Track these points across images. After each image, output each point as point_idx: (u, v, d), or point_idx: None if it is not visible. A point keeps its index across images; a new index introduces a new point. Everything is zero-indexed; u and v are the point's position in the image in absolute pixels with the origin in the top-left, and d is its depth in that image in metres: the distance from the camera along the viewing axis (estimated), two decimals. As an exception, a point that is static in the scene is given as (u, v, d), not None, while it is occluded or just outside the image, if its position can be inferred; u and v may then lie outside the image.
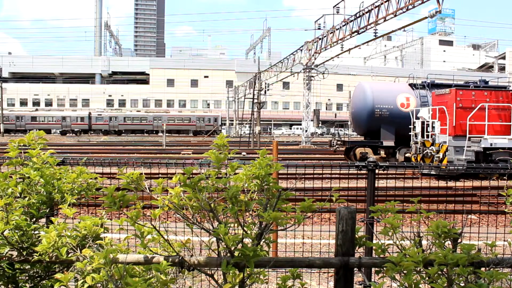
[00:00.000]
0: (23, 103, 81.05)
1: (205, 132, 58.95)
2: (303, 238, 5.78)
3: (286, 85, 61.08)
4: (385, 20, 23.39)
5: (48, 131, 60.16)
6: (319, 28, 33.98)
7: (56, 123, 61.03)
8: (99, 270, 1.95)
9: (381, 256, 2.19)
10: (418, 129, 15.92)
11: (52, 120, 61.47)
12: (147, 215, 2.28)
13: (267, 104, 69.82)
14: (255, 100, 37.37)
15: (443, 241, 2.02)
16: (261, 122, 41.65)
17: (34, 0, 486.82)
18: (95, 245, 2.11)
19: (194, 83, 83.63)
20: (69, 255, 2.13)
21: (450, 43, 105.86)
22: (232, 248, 2.07)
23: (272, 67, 45.37)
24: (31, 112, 62.80)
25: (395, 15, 22.34)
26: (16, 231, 2.23)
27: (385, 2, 22.91)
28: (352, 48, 30.64)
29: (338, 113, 74.92)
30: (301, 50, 36.68)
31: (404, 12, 21.64)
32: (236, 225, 2.17)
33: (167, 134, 57.61)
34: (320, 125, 60.16)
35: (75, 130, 60.60)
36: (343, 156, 22.04)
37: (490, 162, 14.35)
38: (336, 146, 21.45)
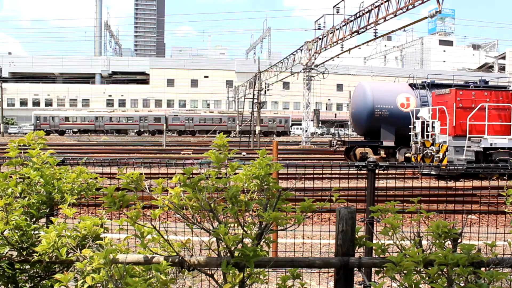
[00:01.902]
0: (23, 103, 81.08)
1: (276, 133, 60.11)
2: (303, 238, 5.78)
3: (286, 85, 61.13)
4: (385, 20, 23.39)
5: (124, 132, 61.26)
6: (319, 28, 33.99)
7: (133, 123, 61.74)
8: (99, 270, 1.95)
9: (381, 256, 2.19)
10: (418, 129, 15.92)
11: (127, 120, 62.15)
12: (147, 215, 2.28)
13: (267, 104, 69.88)
14: (255, 100, 37.37)
15: (443, 241, 2.02)
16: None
17: (34, 0, 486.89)
18: (95, 245, 2.11)
19: (194, 83, 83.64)
20: (69, 255, 2.12)
21: (450, 43, 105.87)
22: (232, 248, 2.07)
23: (272, 67, 45.37)
24: (109, 113, 63.52)
25: (395, 15, 22.34)
26: (16, 231, 2.23)
27: (385, 2, 22.91)
28: (352, 48, 30.63)
29: (338, 113, 74.92)
30: (301, 50, 36.68)
31: (404, 12, 21.65)
32: (236, 225, 2.17)
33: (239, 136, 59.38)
34: (320, 125, 60.24)
35: (151, 130, 61.20)
36: (343, 156, 22.04)
37: (490, 162, 14.34)
38: (336, 146, 21.44)
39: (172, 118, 62.20)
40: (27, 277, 2.36)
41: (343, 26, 28.34)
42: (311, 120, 41.95)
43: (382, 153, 20.07)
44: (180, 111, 66.77)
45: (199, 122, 62.22)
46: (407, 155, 17.50)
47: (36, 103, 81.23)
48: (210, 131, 60.42)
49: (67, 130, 60.34)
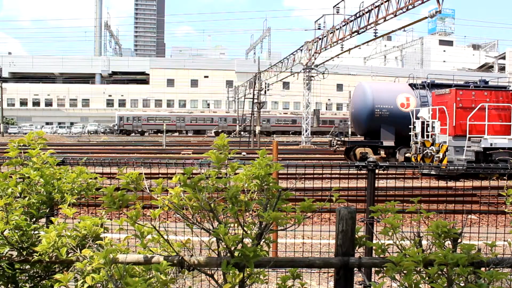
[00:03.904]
0: (23, 103, 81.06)
1: (345, 134, 61.88)
2: (303, 238, 5.78)
3: (286, 85, 61.13)
4: (385, 20, 23.38)
5: (203, 132, 63.16)
6: (319, 28, 33.97)
7: (213, 124, 63.61)
8: (99, 270, 1.95)
9: (381, 256, 2.19)
10: (418, 129, 15.92)
11: (205, 121, 64.13)
12: (147, 215, 2.28)
13: (267, 104, 69.97)
14: (255, 100, 37.37)
15: (443, 241, 2.02)
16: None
17: (34, 0, 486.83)
18: (95, 245, 2.11)
19: (194, 83, 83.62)
20: (69, 255, 2.12)
21: (450, 43, 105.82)
22: (232, 248, 2.07)
23: (272, 67, 45.35)
24: (190, 114, 66.00)
25: (395, 15, 22.33)
26: (16, 231, 2.23)
27: (385, 2, 22.90)
28: (352, 48, 30.62)
29: (338, 113, 74.92)
30: (301, 50, 36.67)
31: (404, 12, 21.64)
32: (236, 225, 2.17)
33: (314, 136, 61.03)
34: (320, 125, 60.31)
35: (229, 131, 62.96)
36: (343, 156, 22.04)
37: (490, 162, 14.34)
38: (336, 146, 21.45)
39: (247, 119, 63.81)
40: (27, 277, 2.36)
41: (343, 26, 28.33)
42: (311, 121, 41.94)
43: (382, 153, 20.07)
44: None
45: (275, 123, 64.74)
46: (407, 155, 17.50)
47: (36, 103, 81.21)
48: (285, 132, 63.76)
49: (148, 130, 62.30)
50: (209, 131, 63.08)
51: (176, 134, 62.81)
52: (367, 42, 29.07)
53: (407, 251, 2.01)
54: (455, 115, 14.52)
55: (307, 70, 35.29)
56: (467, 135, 14.38)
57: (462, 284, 1.93)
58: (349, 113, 22.58)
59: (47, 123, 76.84)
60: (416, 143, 16.05)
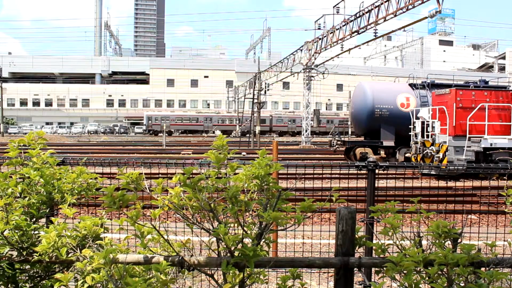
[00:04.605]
0: (23, 103, 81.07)
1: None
2: (303, 238, 5.77)
3: (286, 85, 61.17)
4: (385, 20, 23.39)
5: (230, 132, 64.53)
6: (319, 28, 33.98)
7: (239, 124, 63.60)
8: (99, 270, 1.95)
9: (381, 256, 2.19)
10: (418, 129, 15.92)
11: (231, 121, 65.21)
12: (147, 215, 2.28)
13: (267, 104, 70.05)
14: (255, 100, 37.37)
15: (443, 241, 2.02)
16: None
17: (34, 0, 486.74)
18: (95, 245, 2.10)
19: (194, 83, 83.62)
20: (69, 255, 2.12)
21: (450, 43, 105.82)
22: (232, 248, 2.07)
23: (272, 67, 45.36)
24: (217, 115, 67.42)
25: (395, 15, 22.34)
26: (16, 231, 2.23)
27: (385, 2, 22.90)
28: (352, 48, 30.62)
29: (338, 113, 74.94)
30: (301, 50, 36.67)
31: (404, 12, 21.64)
32: (236, 225, 2.17)
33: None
34: (320, 125, 60.36)
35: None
36: (343, 156, 22.04)
37: (490, 162, 14.34)
38: (336, 146, 21.45)
39: (276, 120, 65.29)
40: (27, 277, 2.36)
41: (343, 26, 28.33)
42: (311, 120, 41.91)
43: (382, 153, 20.06)
44: (283, 113, 70.48)
45: (300, 124, 64.56)
46: (407, 155, 17.50)
47: (36, 103, 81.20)
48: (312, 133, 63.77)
49: (174, 131, 62.92)
50: (235, 131, 63.84)
51: (205, 135, 63.52)
52: (367, 42, 29.07)
53: (407, 251, 2.01)
54: (455, 115, 14.53)
55: (307, 70, 35.29)
56: (467, 135, 14.38)
57: (462, 284, 1.93)
58: (349, 113, 22.56)
59: (47, 123, 76.84)
60: (416, 143, 16.05)
